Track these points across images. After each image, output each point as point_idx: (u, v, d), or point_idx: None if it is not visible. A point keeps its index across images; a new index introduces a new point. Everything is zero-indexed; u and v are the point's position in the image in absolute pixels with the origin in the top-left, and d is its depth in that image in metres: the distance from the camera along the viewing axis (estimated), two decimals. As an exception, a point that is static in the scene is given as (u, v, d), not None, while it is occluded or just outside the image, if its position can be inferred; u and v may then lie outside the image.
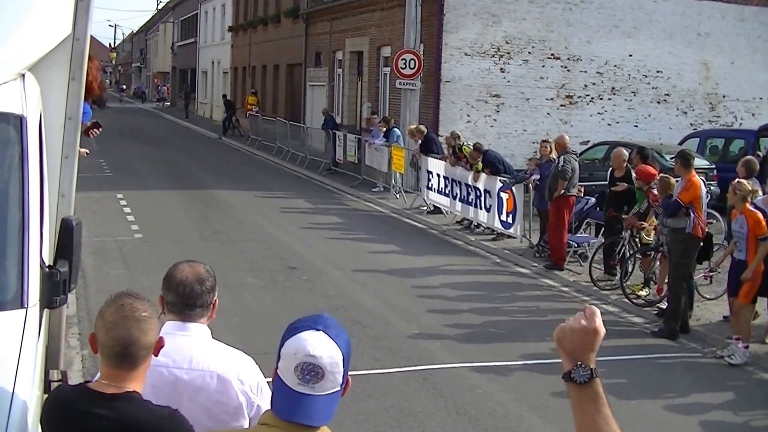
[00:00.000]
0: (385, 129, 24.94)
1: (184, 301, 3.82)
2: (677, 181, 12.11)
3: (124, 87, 70.44)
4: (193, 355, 3.71)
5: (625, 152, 14.88)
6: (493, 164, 18.49)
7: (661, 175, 12.89)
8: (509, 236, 17.78)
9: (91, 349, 3.34)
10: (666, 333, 11.56)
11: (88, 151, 10.55)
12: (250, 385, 3.73)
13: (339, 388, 2.87)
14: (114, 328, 3.23)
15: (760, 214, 10.60)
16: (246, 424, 3.71)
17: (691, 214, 11.47)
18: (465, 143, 19.76)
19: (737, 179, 11.17)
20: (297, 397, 2.81)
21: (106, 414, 3.19)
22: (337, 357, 2.85)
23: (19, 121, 4.47)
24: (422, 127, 22.82)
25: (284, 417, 2.82)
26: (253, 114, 41.82)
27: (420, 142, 22.19)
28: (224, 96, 47.53)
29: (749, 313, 10.81)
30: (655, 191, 12.78)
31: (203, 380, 3.67)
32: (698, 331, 11.81)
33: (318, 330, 2.91)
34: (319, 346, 2.84)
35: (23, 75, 4.67)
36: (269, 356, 10.55)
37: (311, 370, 2.81)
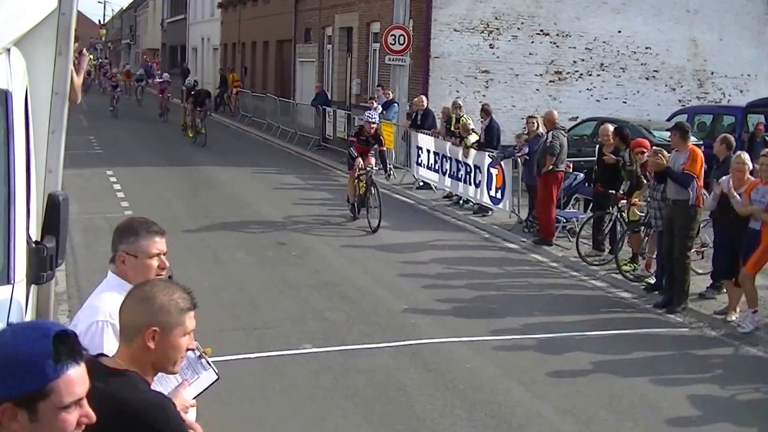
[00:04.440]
0: (382, 102, 24.84)
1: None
2: (671, 154, 12.16)
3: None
4: None
5: (611, 128, 14.86)
6: (495, 132, 18.50)
7: (655, 148, 12.88)
8: (489, 209, 17.97)
9: None
10: (676, 307, 11.61)
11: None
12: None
13: None
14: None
15: None
16: None
17: (694, 185, 11.50)
18: (464, 115, 19.72)
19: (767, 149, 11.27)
20: None
21: (98, 387, 3.18)
22: None
23: (4, 96, 4.46)
24: (424, 99, 22.91)
25: None
26: (240, 90, 41.80)
27: (419, 113, 22.22)
28: (220, 70, 47.48)
29: (753, 282, 10.83)
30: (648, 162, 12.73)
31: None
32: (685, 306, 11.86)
33: None
34: None
35: (8, 50, 4.65)
36: (259, 331, 10.61)
37: None
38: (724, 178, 11.26)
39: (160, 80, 41.51)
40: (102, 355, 3.37)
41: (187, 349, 3.37)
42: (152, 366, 3.29)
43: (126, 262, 4.00)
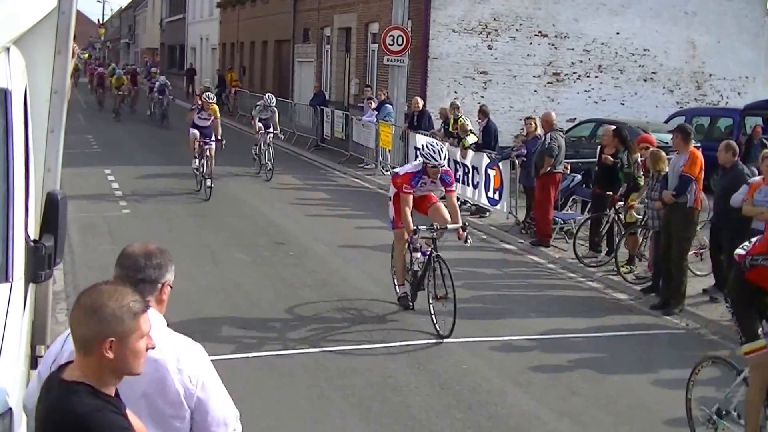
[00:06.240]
0: (376, 104, 24.86)
1: (127, 273, 3.68)
2: (669, 157, 12.15)
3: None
4: None
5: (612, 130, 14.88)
6: (492, 133, 18.49)
7: (652, 149, 12.88)
8: (487, 210, 18.00)
9: None
10: (673, 309, 11.61)
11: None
12: (189, 375, 3.55)
13: None
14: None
15: None
16: (187, 416, 3.60)
17: (692, 188, 11.50)
18: (462, 116, 19.71)
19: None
20: None
21: (50, 399, 3.18)
22: None
23: (4, 95, 4.46)
24: (419, 99, 22.97)
25: None
26: (239, 89, 41.84)
27: (415, 114, 22.27)
28: (218, 71, 47.54)
29: None
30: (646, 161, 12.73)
31: None
32: (682, 308, 11.87)
33: None
34: None
35: (8, 48, 4.66)
36: (256, 331, 10.56)
37: None
38: (756, 177, 11.16)
39: None
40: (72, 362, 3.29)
41: (147, 348, 3.23)
42: (113, 373, 3.19)
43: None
